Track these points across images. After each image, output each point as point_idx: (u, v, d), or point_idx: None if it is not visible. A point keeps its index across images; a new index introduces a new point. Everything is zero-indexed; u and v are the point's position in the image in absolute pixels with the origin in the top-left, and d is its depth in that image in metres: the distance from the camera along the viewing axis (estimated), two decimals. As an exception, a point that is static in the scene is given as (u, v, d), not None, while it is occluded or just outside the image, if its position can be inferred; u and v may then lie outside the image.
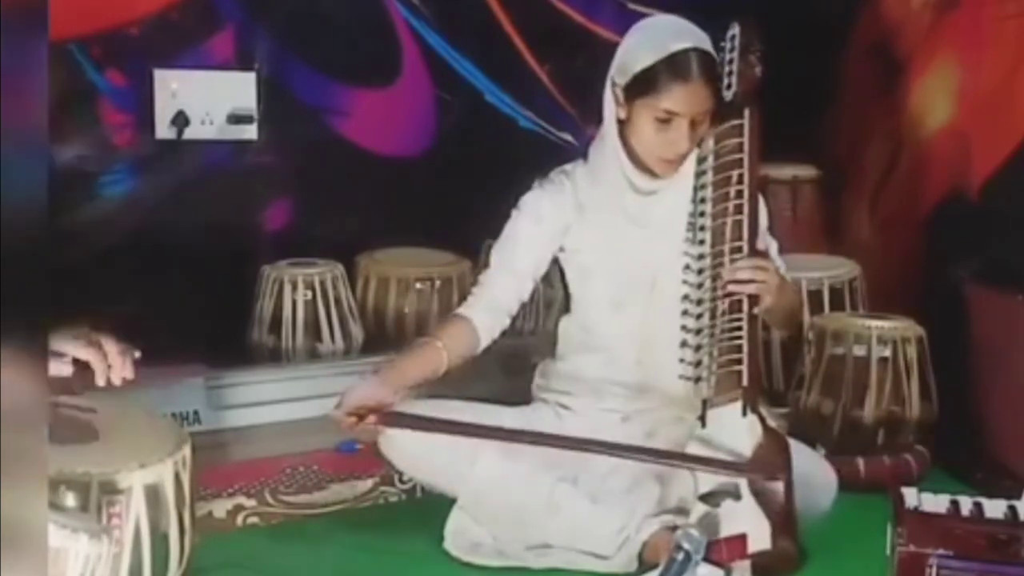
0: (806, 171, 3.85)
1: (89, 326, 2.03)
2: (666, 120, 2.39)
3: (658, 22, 2.51)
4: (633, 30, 2.49)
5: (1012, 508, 2.00)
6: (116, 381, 2.01)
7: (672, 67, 2.38)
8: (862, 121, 3.97)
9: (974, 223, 3.38)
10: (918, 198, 3.69)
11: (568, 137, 3.92)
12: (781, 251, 2.61)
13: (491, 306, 2.53)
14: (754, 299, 2.34)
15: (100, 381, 2.00)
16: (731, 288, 2.34)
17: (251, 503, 2.66)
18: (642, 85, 2.40)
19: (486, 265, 2.61)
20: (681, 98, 2.38)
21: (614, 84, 2.46)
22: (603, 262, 2.54)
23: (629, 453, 2.41)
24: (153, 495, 1.94)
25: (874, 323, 3.04)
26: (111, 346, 1.98)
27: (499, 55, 3.87)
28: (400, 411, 2.38)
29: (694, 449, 2.32)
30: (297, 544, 2.60)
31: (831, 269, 3.37)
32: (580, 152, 2.63)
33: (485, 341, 2.53)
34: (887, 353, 2.98)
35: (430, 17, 3.77)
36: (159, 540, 1.95)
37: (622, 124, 2.47)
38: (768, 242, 2.56)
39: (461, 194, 3.60)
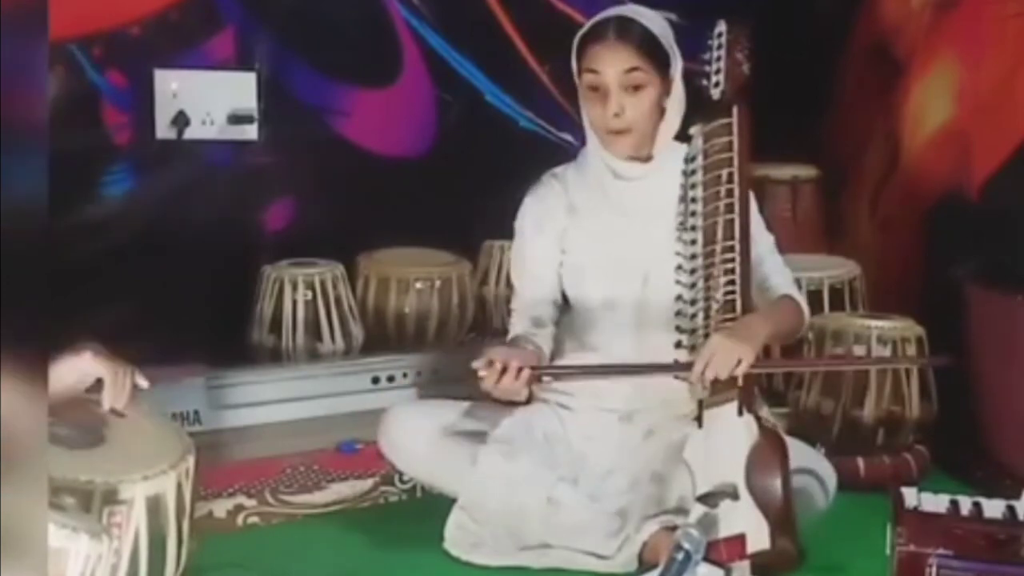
0: (806, 171, 3.85)
1: (101, 344, 2.06)
2: (596, 87, 2.45)
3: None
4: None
5: (1012, 508, 2.00)
6: (119, 406, 2.03)
7: (591, 33, 2.46)
8: (862, 121, 3.96)
9: (974, 223, 3.38)
10: (918, 198, 3.69)
11: (568, 137, 3.91)
12: (781, 251, 2.61)
13: (534, 324, 2.56)
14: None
15: (107, 404, 2.02)
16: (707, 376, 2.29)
17: (251, 503, 2.66)
18: (577, 60, 2.48)
19: (507, 280, 2.63)
20: (597, 56, 2.43)
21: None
22: (596, 261, 2.55)
23: None
24: (154, 506, 1.94)
25: (874, 323, 3.04)
26: (126, 375, 2.01)
27: (499, 55, 3.87)
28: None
29: (691, 450, 2.31)
30: (297, 544, 2.60)
31: (831, 269, 3.36)
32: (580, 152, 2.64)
33: (548, 354, 2.56)
34: (887, 353, 2.98)
35: (430, 17, 3.77)
36: (157, 549, 1.95)
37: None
38: (765, 238, 2.57)
39: (461, 194, 3.60)
